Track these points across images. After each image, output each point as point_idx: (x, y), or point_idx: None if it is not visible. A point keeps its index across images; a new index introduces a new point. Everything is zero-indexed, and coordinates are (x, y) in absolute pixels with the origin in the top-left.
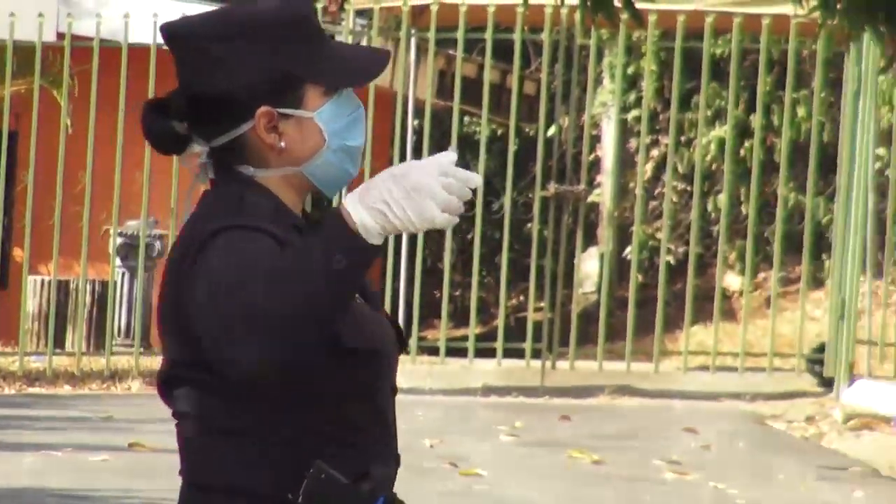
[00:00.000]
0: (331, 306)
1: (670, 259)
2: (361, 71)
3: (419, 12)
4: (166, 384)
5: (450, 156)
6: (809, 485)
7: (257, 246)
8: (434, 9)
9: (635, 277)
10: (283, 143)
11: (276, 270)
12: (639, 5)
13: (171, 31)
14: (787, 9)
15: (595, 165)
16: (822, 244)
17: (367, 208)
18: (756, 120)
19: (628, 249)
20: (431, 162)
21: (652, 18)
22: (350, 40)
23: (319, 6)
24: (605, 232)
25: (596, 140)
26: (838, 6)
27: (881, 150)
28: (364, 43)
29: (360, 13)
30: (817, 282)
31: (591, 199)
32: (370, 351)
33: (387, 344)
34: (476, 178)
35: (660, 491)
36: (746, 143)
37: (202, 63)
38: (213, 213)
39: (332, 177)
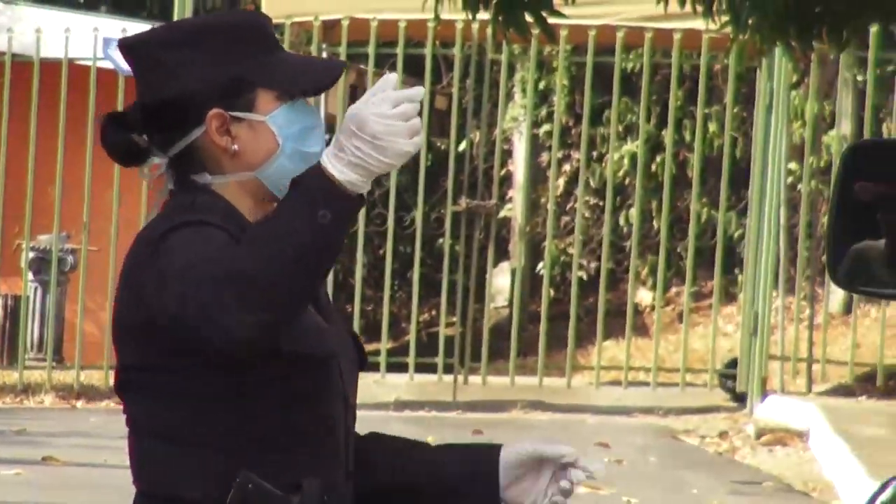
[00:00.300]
0: (318, 261)
1: (582, 274)
2: (314, 78)
3: (330, 27)
4: (121, 389)
5: (390, 80)
6: (722, 499)
7: (210, 233)
8: (345, 23)
9: (547, 292)
10: (235, 146)
11: (258, 233)
12: (550, 20)
13: (126, 45)
14: (699, 24)
15: (507, 180)
16: (734, 259)
17: (347, 166)
18: (668, 135)
19: (540, 264)
20: (379, 98)
21: (563, 33)
22: None
23: None
24: (516, 247)
25: (507, 155)
26: (749, 21)
27: (793, 165)
28: None
29: None
30: (729, 297)
31: (502, 213)
32: (310, 358)
33: (336, 354)
34: (419, 90)
35: None
36: (658, 158)
37: (153, 71)
38: (165, 216)
39: (286, 182)
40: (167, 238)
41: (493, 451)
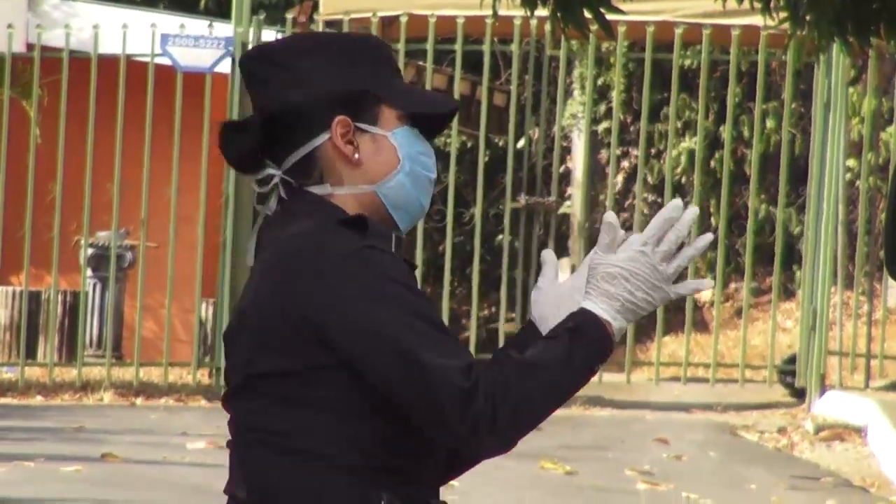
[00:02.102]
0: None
1: None
2: (433, 107)
3: (389, 23)
4: (236, 395)
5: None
6: (781, 495)
7: (408, 280)
8: (404, 20)
9: None
10: (357, 156)
11: (548, 367)
12: (608, 17)
13: (251, 55)
14: (757, 20)
15: (565, 177)
16: (792, 255)
17: (620, 311)
18: (726, 131)
19: None
20: (661, 254)
21: (621, 30)
22: None
23: (289, 17)
24: (576, 243)
25: (566, 151)
26: (807, 18)
27: (851, 162)
28: None
29: (329, 24)
30: (788, 293)
31: (561, 210)
32: None
33: None
34: (689, 252)
35: (632, 501)
36: (716, 155)
37: (280, 78)
38: (323, 228)
39: (404, 202)
40: (361, 258)
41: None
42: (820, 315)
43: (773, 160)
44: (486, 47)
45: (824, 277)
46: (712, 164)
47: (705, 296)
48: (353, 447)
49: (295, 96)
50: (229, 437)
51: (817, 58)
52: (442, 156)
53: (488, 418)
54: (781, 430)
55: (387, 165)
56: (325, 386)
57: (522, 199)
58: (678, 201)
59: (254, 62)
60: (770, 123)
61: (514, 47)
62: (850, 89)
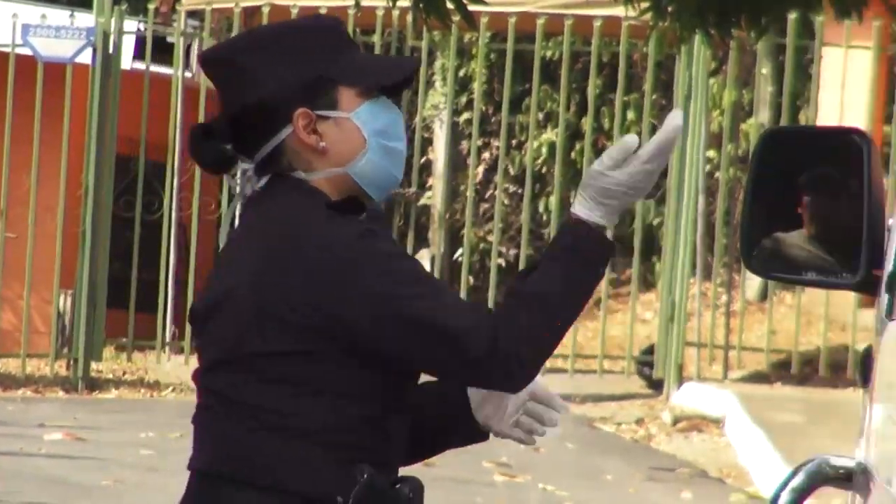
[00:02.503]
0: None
1: (501, 261)
2: (390, 74)
3: (251, 14)
4: (213, 370)
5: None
6: (638, 486)
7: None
8: (266, 10)
9: (466, 279)
10: (323, 144)
11: (553, 295)
12: (470, 7)
13: (206, 57)
14: (619, 11)
15: (426, 168)
16: (652, 246)
17: (612, 217)
18: (587, 122)
19: (459, 251)
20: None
21: (483, 20)
22: (181, 42)
23: (151, 7)
24: (436, 234)
25: (427, 142)
26: (669, 9)
27: (711, 153)
28: (195, 44)
29: (191, 14)
30: (647, 284)
31: (422, 201)
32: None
33: None
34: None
35: (489, 493)
36: (577, 146)
37: (236, 78)
38: (316, 212)
39: (377, 177)
40: (368, 242)
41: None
42: (678, 306)
43: None
44: None
45: (683, 268)
46: (573, 155)
47: None
48: (339, 426)
49: (252, 96)
50: (196, 412)
51: (679, 49)
52: None
53: (514, 356)
54: (639, 422)
55: (354, 147)
56: (324, 368)
57: None
58: (678, 121)
59: (208, 66)
60: (631, 115)
61: (376, 38)
62: (711, 81)
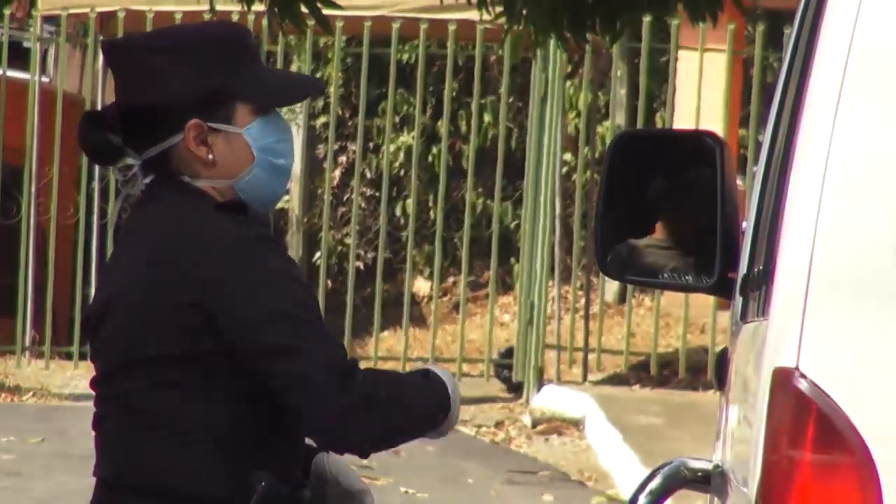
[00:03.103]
0: (405, 439)
1: (359, 264)
2: (289, 93)
3: (107, 19)
4: (108, 378)
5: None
6: (498, 489)
7: (290, 264)
8: (121, 15)
9: (325, 283)
10: (211, 156)
11: (401, 388)
12: (325, 11)
13: (110, 45)
14: (473, 15)
15: None
16: (510, 249)
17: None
18: (443, 126)
19: (317, 255)
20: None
21: (339, 25)
22: (38, 48)
23: (7, 13)
24: (293, 238)
25: None
26: (524, 12)
27: (568, 156)
28: (51, 49)
29: (47, 20)
30: (506, 287)
31: (279, 205)
32: None
33: None
34: None
35: None
36: (434, 149)
37: (137, 75)
38: (205, 212)
39: (261, 194)
40: (256, 245)
41: (311, 454)
42: (537, 309)
43: (491, 155)
44: None
45: (541, 271)
46: (430, 158)
47: (423, 290)
48: (234, 429)
49: (148, 97)
50: (95, 419)
51: (534, 52)
52: None
53: (358, 410)
54: (499, 424)
55: (241, 161)
56: (210, 370)
57: None
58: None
59: (110, 55)
60: (487, 118)
61: None
62: (567, 84)
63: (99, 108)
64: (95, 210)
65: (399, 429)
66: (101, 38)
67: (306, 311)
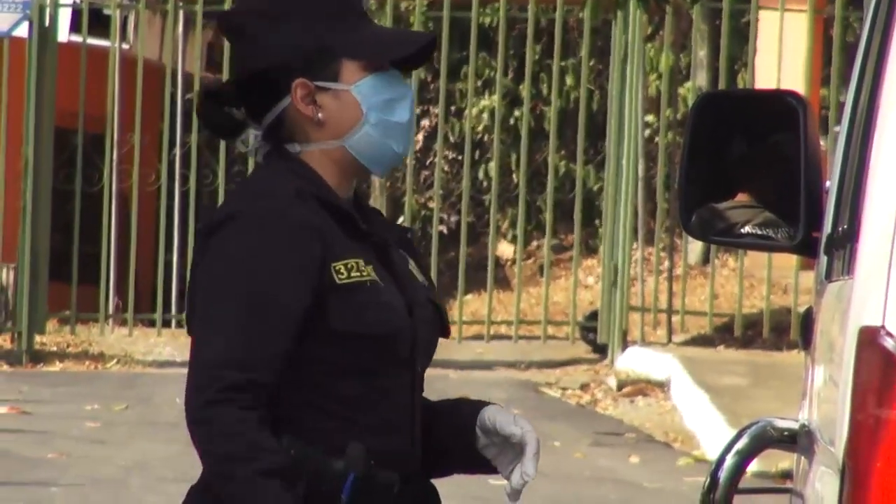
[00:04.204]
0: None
1: (443, 228)
2: (400, 50)
3: None
4: None
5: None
6: (585, 451)
7: (270, 244)
8: None
9: None
10: (320, 115)
11: (241, 443)
12: None
13: (220, 15)
14: None
15: None
16: (593, 212)
17: None
18: (525, 89)
19: (401, 219)
20: None
21: None
22: (118, 14)
23: None
24: (376, 202)
25: None
26: None
27: (650, 118)
28: (131, 16)
29: None
30: (590, 249)
31: None
32: (371, 337)
33: (402, 330)
34: None
35: None
36: (516, 112)
37: (241, 44)
38: (236, 194)
39: (374, 152)
40: (226, 224)
41: (475, 408)
42: (621, 271)
43: (573, 117)
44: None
45: (625, 233)
46: (512, 121)
47: (507, 253)
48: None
49: (256, 63)
50: None
51: (614, 14)
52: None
53: (198, 422)
54: (584, 387)
55: (351, 119)
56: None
57: None
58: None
59: (221, 25)
60: (569, 80)
61: None
62: (648, 45)
63: (179, 74)
64: (177, 177)
65: (209, 466)
66: (180, 3)
67: (241, 307)
